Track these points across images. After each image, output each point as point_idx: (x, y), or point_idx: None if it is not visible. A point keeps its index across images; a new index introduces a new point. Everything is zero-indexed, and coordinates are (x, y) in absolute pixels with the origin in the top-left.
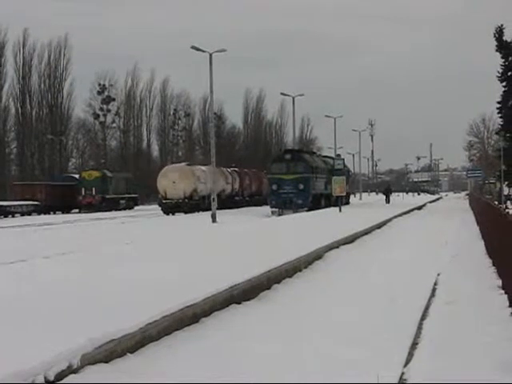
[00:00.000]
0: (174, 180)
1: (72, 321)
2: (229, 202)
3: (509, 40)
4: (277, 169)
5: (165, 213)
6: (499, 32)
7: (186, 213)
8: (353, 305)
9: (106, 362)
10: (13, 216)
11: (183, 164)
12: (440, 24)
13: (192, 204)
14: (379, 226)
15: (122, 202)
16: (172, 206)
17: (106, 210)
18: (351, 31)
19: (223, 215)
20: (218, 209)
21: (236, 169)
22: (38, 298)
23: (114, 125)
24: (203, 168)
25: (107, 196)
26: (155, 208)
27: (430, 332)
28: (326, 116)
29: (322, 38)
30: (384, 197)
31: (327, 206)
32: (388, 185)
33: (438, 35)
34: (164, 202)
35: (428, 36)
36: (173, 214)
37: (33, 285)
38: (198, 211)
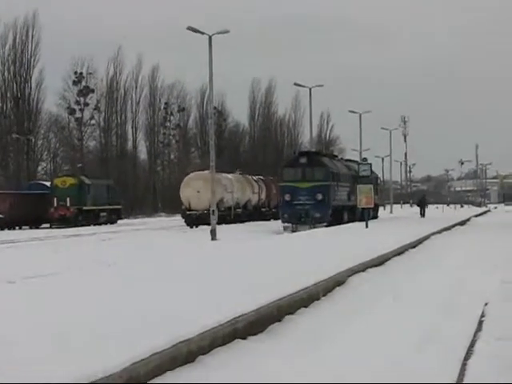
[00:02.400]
0: (198, 189)
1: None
2: (255, 214)
3: None
4: (290, 175)
5: (188, 225)
6: None
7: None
8: (379, 345)
9: None
10: None
11: (207, 171)
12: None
13: (217, 215)
14: (414, 245)
15: (103, 214)
16: (196, 218)
17: (82, 225)
18: (379, 15)
19: (225, 231)
20: (244, 221)
21: (261, 177)
22: None
23: (93, 121)
24: (229, 176)
25: (84, 208)
26: (142, 222)
27: (475, 375)
28: (350, 111)
29: (344, 23)
30: (419, 209)
31: (351, 220)
32: (423, 195)
33: (489, 20)
34: (188, 213)
35: (474, 24)
36: (196, 227)
37: None
38: (224, 223)
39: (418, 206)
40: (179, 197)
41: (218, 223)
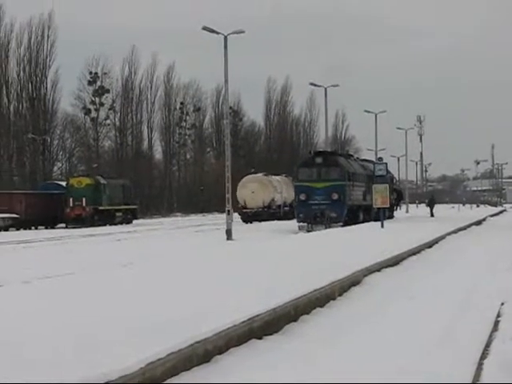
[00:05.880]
0: (252, 190)
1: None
2: None
3: None
4: (305, 175)
5: (244, 221)
6: None
7: (262, 221)
8: (397, 345)
9: None
10: None
11: (260, 174)
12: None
13: (270, 213)
14: (430, 244)
15: (118, 214)
16: (251, 215)
17: (98, 225)
18: (394, 13)
19: (244, 231)
20: (291, 218)
21: None
22: None
23: (109, 121)
24: (278, 178)
25: (100, 207)
26: (157, 222)
27: (492, 375)
28: (366, 111)
29: (360, 20)
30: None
31: (366, 220)
32: (432, 195)
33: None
34: (244, 211)
35: (489, 22)
36: (251, 223)
37: None
38: (275, 219)
39: (427, 205)
40: (194, 196)
41: (270, 220)
